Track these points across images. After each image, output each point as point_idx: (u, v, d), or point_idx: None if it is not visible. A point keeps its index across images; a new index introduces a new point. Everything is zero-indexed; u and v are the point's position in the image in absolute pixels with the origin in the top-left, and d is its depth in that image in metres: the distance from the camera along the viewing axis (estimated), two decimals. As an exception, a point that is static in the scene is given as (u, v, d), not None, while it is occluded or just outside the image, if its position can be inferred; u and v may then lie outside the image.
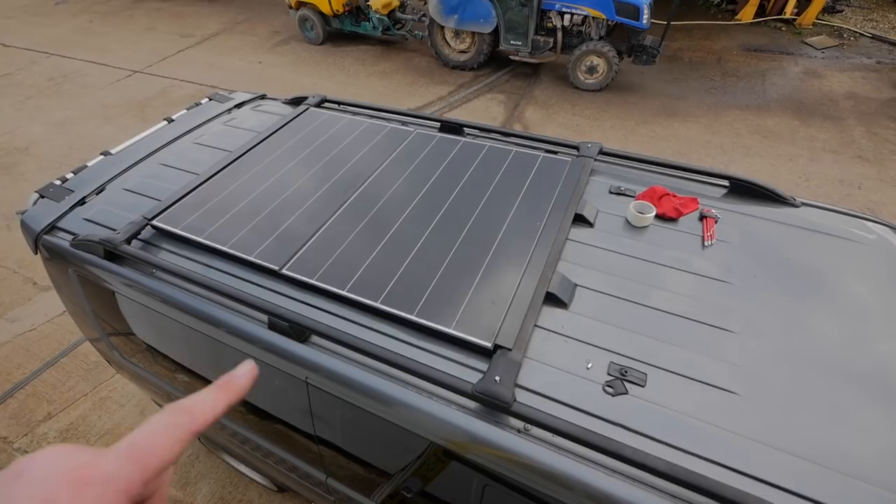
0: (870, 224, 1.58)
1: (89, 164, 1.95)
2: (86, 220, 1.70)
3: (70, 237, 1.63)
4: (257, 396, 1.59)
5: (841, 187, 4.34)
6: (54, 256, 1.69)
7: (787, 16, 7.34)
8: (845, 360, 1.17)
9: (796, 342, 1.21)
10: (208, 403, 0.33)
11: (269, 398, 1.53)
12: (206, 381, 1.74)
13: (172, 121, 2.20)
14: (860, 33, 7.01)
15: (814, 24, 7.29)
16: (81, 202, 1.77)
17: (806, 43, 6.90)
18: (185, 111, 2.27)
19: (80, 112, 5.99)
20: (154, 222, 1.56)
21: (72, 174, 1.90)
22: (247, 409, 1.69)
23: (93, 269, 1.56)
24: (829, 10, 7.35)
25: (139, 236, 1.56)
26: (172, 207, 1.62)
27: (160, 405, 2.47)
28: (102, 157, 1.99)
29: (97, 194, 1.81)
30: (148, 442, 0.30)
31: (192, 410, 0.32)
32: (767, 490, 0.94)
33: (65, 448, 0.28)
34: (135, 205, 1.73)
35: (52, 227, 1.69)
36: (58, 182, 1.85)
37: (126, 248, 1.46)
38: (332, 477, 1.61)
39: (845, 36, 7.03)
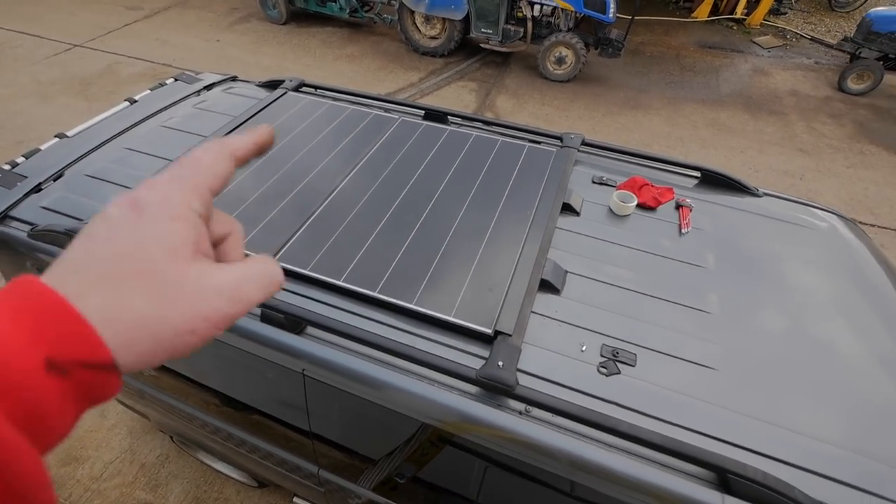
0: (820, 212, 1.73)
1: (43, 147, 1.79)
2: (44, 208, 1.57)
3: (27, 227, 1.50)
4: (248, 390, 1.55)
5: (786, 178, 4.69)
6: (7, 248, 1.56)
7: (738, 15, 7.74)
8: (806, 332, 1.29)
9: (763, 319, 1.32)
10: (241, 136, 0.36)
11: (260, 391, 1.50)
12: (185, 379, 1.67)
13: (135, 101, 2.05)
14: (801, 35, 7.52)
15: (761, 25, 7.74)
16: (37, 189, 1.63)
17: (754, 42, 7.32)
18: (149, 92, 2.12)
19: (11, 88, 5.44)
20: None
21: (23, 158, 1.74)
22: (235, 404, 1.64)
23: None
24: (774, 11, 7.82)
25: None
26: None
27: (124, 404, 2.35)
28: (57, 139, 1.84)
29: (55, 181, 1.68)
30: (193, 157, 0.33)
31: (226, 139, 0.36)
32: (744, 454, 1.03)
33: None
34: (100, 192, 1.62)
35: (3, 217, 1.55)
36: (7, 167, 1.69)
37: (96, 238, 1.36)
38: (325, 468, 1.61)
39: (788, 37, 7.52)
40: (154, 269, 0.28)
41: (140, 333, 0.27)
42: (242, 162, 0.36)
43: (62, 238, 1.40)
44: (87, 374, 0.25)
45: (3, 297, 0.25)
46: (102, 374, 0.26)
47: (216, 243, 0.35)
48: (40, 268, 1.54)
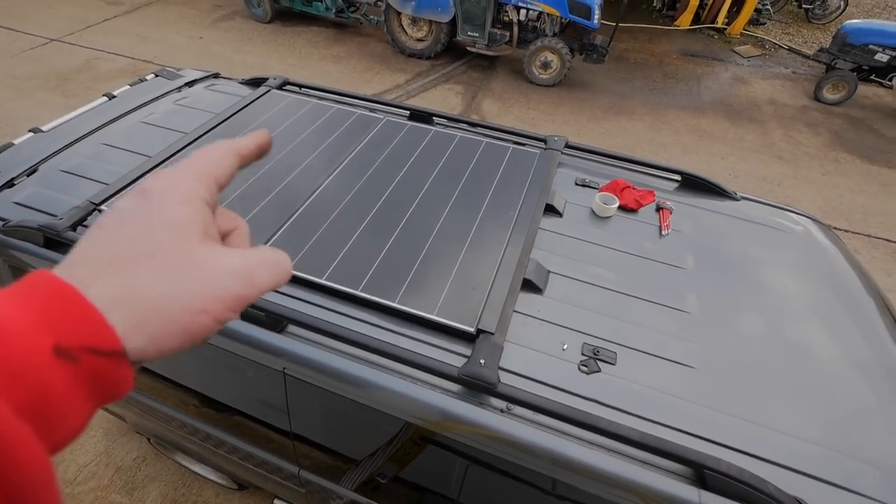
0: (796, 216, 1.78)
1: (16, 141, 1.74)
2: (16, 203, 1.53)
3: (-1, 223, 1.46)
4: (227, 391, 1.52)
5: (764, 184, 4.82)
6: (-23, 245, 1.51)
7: (719, 24, 7.94)
8: (781, 333, 1.33)
9: (740, 320, 1.35)
10: (243, 138, 0.38)
11: (241, 391, 1.47)
12: (163, 379, 1.64)
13: (114, 97, 2.01)
14: (779, 45, 7.74)
15: (741, 34, 7.95)
16: (10, 184, 1.58)
17: (734, 51, 7.52)
18: (129, 87, 2.08)
19: (-15, 83, 5.28)
20: (103, 207, 1.43)
21: (-5, 152, 1.69)
22: (215, 405, 1.61)
23: (29, 258, 1.41)
24: (754, 21, 8.04)
25: (85, 222, 1.42)
26: (124, 192, 1.49)
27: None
28: (31, 134, 1.79)
29: (28, 176, 1.63)
30: (200, 152, 0.35)
31: (229, 140, 0.37)
32: (721, 450, 1.06)
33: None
34: (75, 188, 1.58)
35: (-27, 212, 1.50)
36: (-22, 161, 1.64)
37: (71, 234, 1.33)
38: (306, 469, 1.59)
39: (767, 47, 7.74)
40: (164, 249, 0.28)
41: (151, 314, 0.27)
42: (245, 161, 0.37)
43: (35, 234, 1.37)
44: (97, 362, 0.24)
45: (12, 288, 0.25)
46: (112, 362, 0.25)
47: (222, 237, 0.35)
48: (12, 265, 1.49)
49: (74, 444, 2.60)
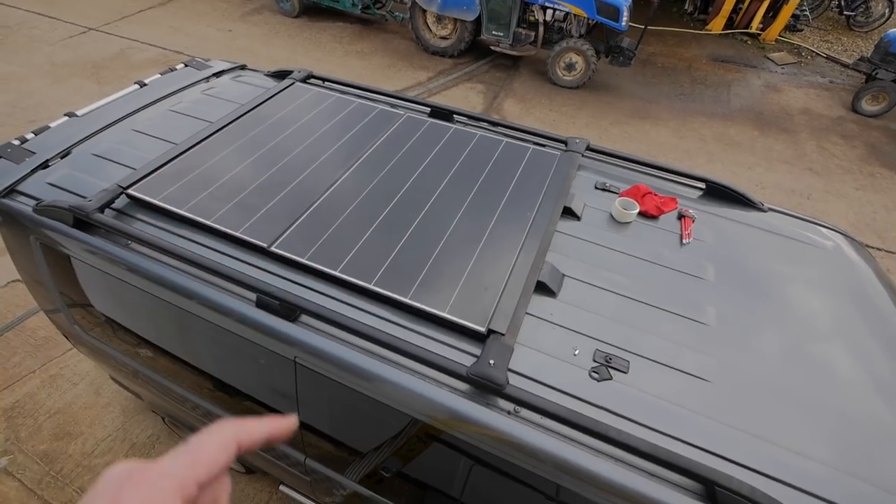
0: (826, 231, 1.71)
1: (52, 125, 1.81)
2: (50, 184, 1.58)
3: (32, 202, 1.52)
4: (240, 376, 1.55)
5: (792, 196, 4.66)
6: (12, 221, 1.57)
7: (753, 30, 7.71)
8: (803, 351, 1.28)
9: (760, 335, 1.31)
10: (257, 424, 0.36)
11: (252, 377, 1.50)
12: (174, 358, 1.68)
13: (145, 85, 2.06)
14: (817, 53, 7.47)
15: (776, 41, 7.70)
16: (44, 165, 1.64)
17: (768, 58, 7.29)
18: (159, 76, 2.13)
19: (26, 68, 5.49)
20: (130, 191, 1.47)
21: (32, 135, 1.76)
22: (227, 389, 1.65)
23: (59, 237, 1.46)
24: (790, 28, 7.78)
25: (112, 205, 1.47)
26: (150, 177, 1.53)
27: (118, 383, 2.36)
28: (66, 118, 1.85)
29: (62, 158, 1.69)
30: (198, 446, 0.33)
31: (241, 425, 0.35)
32: (733, 467, 1.03)
33: (129, 462, 0.32)
34: (105, 171, 1.63)
35: (10, 191, 1.56)
36: (16, 142, 1.71)
37: (99, 216, 1.38)
38: (312, 458, 1.61)
39: (803, 54, 7.48)
40: None
41: None
42: (248, 449, 0.35)
43: (65, 214, 1.41)
44: None
45: None
46: None
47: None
48: (44, 243, 1.55)
49: (94, 419, 2.69)
